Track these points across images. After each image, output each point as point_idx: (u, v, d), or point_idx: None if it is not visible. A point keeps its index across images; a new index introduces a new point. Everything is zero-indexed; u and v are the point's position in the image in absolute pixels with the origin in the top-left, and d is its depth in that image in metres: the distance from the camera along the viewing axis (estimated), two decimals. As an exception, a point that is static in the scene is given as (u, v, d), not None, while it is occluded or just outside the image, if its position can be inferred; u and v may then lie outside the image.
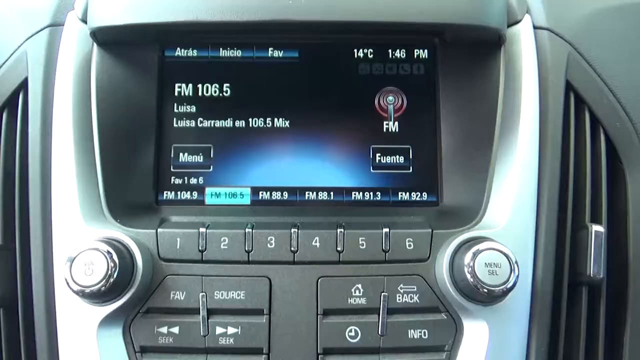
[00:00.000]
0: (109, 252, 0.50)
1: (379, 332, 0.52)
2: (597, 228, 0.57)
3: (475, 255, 0.50)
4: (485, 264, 0.50)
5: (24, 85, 0.62)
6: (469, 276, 0.50)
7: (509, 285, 0.49)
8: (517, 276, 0.50)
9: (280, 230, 0.55)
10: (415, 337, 0.53)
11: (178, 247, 0.55)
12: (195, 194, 0.66)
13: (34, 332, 0.54)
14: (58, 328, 0.53)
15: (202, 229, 0.55)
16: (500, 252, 0.50)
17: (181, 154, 0.66)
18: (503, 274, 0.49)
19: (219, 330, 0.53)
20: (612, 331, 0.59)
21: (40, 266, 0.54)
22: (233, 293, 0.53)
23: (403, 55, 0.68)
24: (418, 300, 0.53)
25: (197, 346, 0.52)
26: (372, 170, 0.67)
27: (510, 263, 0.50)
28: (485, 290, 0.49)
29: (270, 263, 0.54)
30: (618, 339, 0.59)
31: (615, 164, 0.63)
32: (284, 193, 0.66)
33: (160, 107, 0.67)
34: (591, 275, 0.56)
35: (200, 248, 0.54)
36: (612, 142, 0.63)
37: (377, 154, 0.67)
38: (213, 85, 0.67)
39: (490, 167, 0.59)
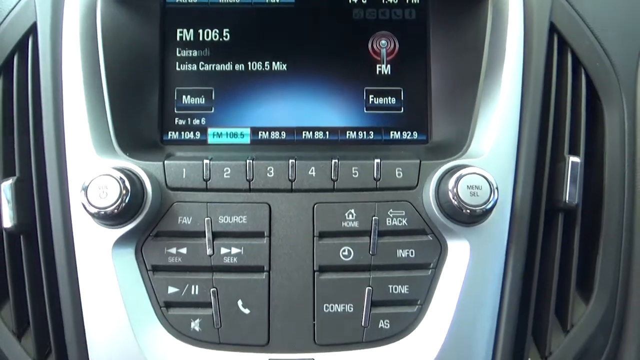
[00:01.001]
0: (121, 178, 0.54)
1: (370, 252, 0.57)
2: (574, 159, 0.61)
3: (458, 179, 0.54)
4: (468, 186, 0.54)
5: (33, 30, 0.65)
6: (452, 198, 0.54)
7: (489, 205, 0.54)
8: (497, 198, 0.54)
9: (278, 161, 0.59)
10: (403, 256, 0.57)
11: (184, 176, 0.59)
12: (198, 134, 0.70)
13: (53, 256, 0.59)
14: (76, 250, 0.57)
15: (206, 161, 0.59)
16: (481, 175, 0.54)
17: (184, 97, 0.70)
18: (483, 195, 0.54)
19: (224, 250, 0.57)
20: (586, 255, 0.64)
21: (57, 194, 0.59)
22: (236, 218, 0.58)
23: (395, 0, 0.71)
24: (406, 224, 0.58)
25: (204, 264, 0.57)
26: (365, 111, 0.70)
27: (490, 185, 0.54)
28: (468, 211, 0.54)
29: (270, 191, 0.59)
30: (590, 262, 0.64)
31: (595, 102, 0.67)
32: (282, 133, 0.70)
33: (163, 52, 0.70)
34: (567, 202, 0.60)
35: (204, 177, 0.58)
36: (592, 81, 0.66)
37: (370, 96, 0.70)
38: (213, 31, 0.71)
39: (476, 104, 0.63)
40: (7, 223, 0.59)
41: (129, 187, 0.54)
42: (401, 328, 0.56)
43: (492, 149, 0.59)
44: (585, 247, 0.64)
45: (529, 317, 0.60)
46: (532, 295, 0.60)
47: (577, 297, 0.63)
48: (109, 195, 0.53)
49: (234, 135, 0.70)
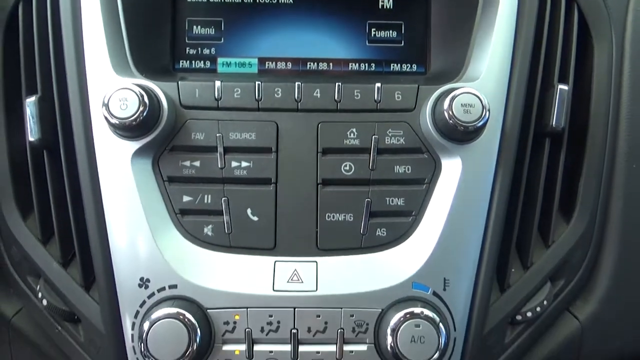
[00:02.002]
0: (140, 92, 0.58)
1: (370, 167, 0.62)
2: (562, 87, 0.65)
3: (453, 98, 0.58)
4: (462, 104, 0.58)
5: None
6: (447, 116, 0.58)
7: (481, 122, 0.58)
8: (488, 116, 0.58)
9: (286, 83, 0.63)
10: (400, 172, 0.62)
11: (197, 95, 0.63)
12: (208, 63, 0.73)
13: (76, 168, 0.63)
14: (97, 162, 0.62)
15: (217, 82, 0.63)
16: (474, 94, 0.58)
17: (194, 27, 0.73)
18: (476, 112, 0.58)
19: (234, 164, 0.62)
20: (570, 179, 0.69)
21: (78, 110, 0.63)
22: (245, 134, 0.62)
23: None
24: (404, 143, 0.62)
25: (216, 176, 0.62)
26: (367, 44, 0.74)
27: (482, 104, 0.58)
28: (461, 127, 0.58)
29: (277, 110, 0.63)
30: (574, 186, 0.69)
31: (586, 35, 0.70)
32: (287, 63, 0.73)
33: (175, -17, 0.73)
34: (553, 126, 0.65)
35: (216, 97, 0.62)
36: (585, 15, 0.70)
37: (373, 29, 0.74)
38: None
39: (472, 35, 0.67)
40: (32, 137, 0.64)
41: (147, 101, 0.58)
42: (396, 236, 0.62)
43: (485, 74, 0.63)
44: (569, 171, 0.69)
45: (514, 233, 0.65)
46: (517, 212, 0.65)
47: (559, 217, 0.69)
48: (128, 107, 0.58)
49: (242, 64, 0.74)
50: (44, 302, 0.63)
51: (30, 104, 0.64)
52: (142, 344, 0.56)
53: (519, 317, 0.64)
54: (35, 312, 0.67)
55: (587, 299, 0.70)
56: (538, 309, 0.63)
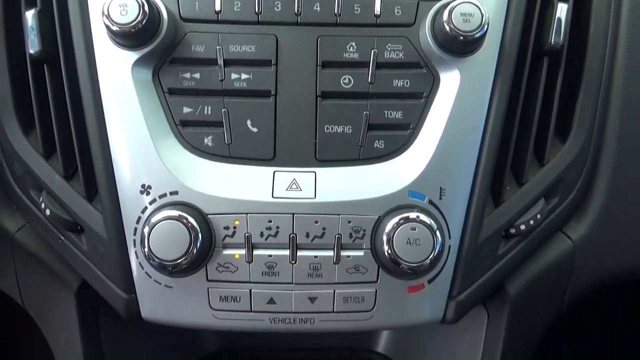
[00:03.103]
0: (140, 0, 0.58)
1: (369, 81, 0.62)
2: (562, 4, 0.66)
3: (452, 9, 0.59)
4: (461, 13, 0.58)
5: None
6: (447, 26, 0.58)
7: (480, 32, 0.58)
8: (487, 26, 0.58)
9: None
10: (399, 85, 0.63)
11: (197, 9, 0.63)
12: None
13: (77, 82, 0.63)
14: (98, 73, 0.62)
15: None
16: (473, 4, 0.58)
17: None
18: (475, 21, 0.58)
19: (234, 76, 0.62)
20: (567, 101, 0.69)
21: (78, 21, 0.62)
22: (245, 47, 0.62)
23: None
24: (403, 57, 0.63)
25: (216, 88, 0.62)
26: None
27: (481, 12, 0.58)
28: (461, 37, 0.58)
29: (277, 24, 0.63)
30: (570, 108, 0.70)
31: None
32: None
33: None
34: (552, 44, 0.65)
35: (216, 10, 0.62)
36: None
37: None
38: None
39: None
40: (32, 50, 0.64)
41: (147, 10, 0.58)
42: (394, 148, 0.62)
43: None
44: (566, 92, 0.69)
45: (509, 151, 0.66)
46: (514, 130, 0.66)
47: (555, 139, 0.69)
48: (128, 13, 0.58)
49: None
50: (47, 212, 0.64)
51: (29, 15, 0.64)
52: (144, 246, 0.58)
53: (512, 231, 0.65)
54: (38, 225, 0.68)
55: (580, 219, 0.71)
56: (531, 222, 0.65)
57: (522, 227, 0.65)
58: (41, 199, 0.66)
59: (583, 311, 0.78)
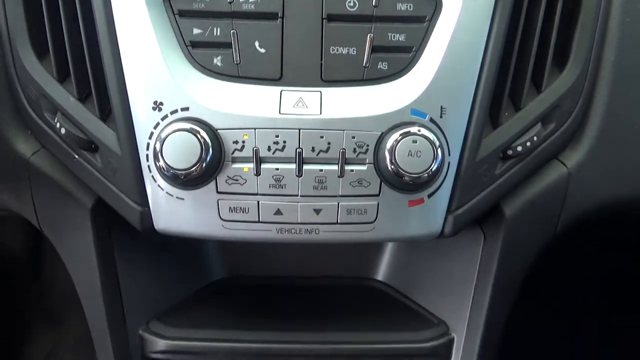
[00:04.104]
0: None
1: (373, 4, 0.64)
2: None
3: None
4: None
5: None
6: None
7: None
8: None
9: None
10: (402, 9, 0.64)
11: None
12: None
13: (90, 4, 0.65)
14: None
15: None
16: None
17: None
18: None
19: None
20: (565, 34, 0.71)
21: None
22: None
23: None
24: None
25: (224, 10, 0.64)
26: None
27: None
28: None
29: None
30: (569, 41, 0.72)
31: None
32: None
33: None
34: (551, -30, 0.67)
35: None
36: None
37: None
38: None
39: None
40: None
41: None
42: (397, 70, 0.65)
43: None
44: (565, 23, 0.71)
45: (508, 78, 0.68)
46: (513, 57, 0.68)
47: (553, 68, 0.72)
48: None
49: None
50: (62, 130, 0.67)
51: None
52: (157, 159, 0.60)
53: (509, 152, 0.68)
54: (53, 146, 0.71)
55: (575, 148, 0.74)
56: (528, 144, 0.67)
57: (519, 148, 0.67)
58: (56, 119, 0.68)
59: (573, 244, 0.82)
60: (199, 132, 0.60)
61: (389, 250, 0.91)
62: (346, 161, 0.63)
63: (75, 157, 0.69)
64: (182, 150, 0.60)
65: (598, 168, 0.74)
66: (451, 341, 0.74)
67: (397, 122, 0.63)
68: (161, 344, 0.72)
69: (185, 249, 0.86)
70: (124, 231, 0.74)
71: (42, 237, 0.78)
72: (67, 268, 0.75)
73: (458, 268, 0.76)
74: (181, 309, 0.79)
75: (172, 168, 0.60)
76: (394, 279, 0.89)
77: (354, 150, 0.63)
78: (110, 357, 0.73)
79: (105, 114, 0.67)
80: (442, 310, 0.78)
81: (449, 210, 0.66)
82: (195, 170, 0.60)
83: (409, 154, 0.60)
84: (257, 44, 0.65)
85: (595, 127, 0.73)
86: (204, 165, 0.60)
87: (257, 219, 0.64)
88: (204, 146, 0.60)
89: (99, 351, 0.74)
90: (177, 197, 0.64)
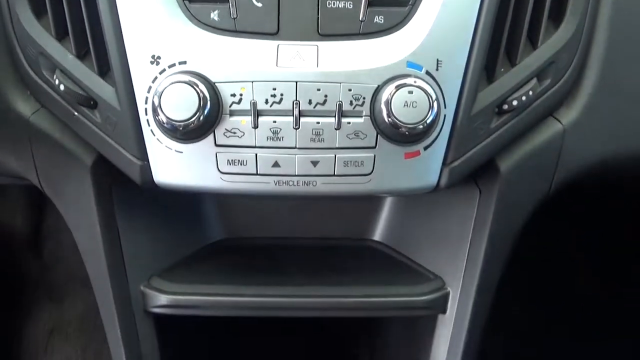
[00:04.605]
0: None
1: None
2: None
3: None
4: None
5: None
6: None
7: None
8: None
9: None
10: None
11: None
12: None
13: None
14: None
15: None
16: None
17: None
18: None
19: None
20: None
21: None
22: None
23: None
24: None
25: None
26: None
27: None
28: None
29: None
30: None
31: None
32: None
33: None
34: None
35: None
36: None
37: None
38: None
39: None
40: None
41: None
42: (393, 24, 0.65)
43: None
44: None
45: (504, 33, 0.68)
46: (509, 15, 0.68)
47: (549, 25, 0.72)
48: None
49: None
50: (62, 87, 0.67)
51: None
52: (156, 112, 0.61)
53: (505, 107, 0.68)
54: (52, 104, 0.71)
55: (570, 105, 0.75)
56: (524, 98, 0.68)
57: (515, 102, 0.68)
58: (55, 77, 0.69)
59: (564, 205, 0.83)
60: (197, 85, 0.61)
61: (385, 210, 0.92)
62: (343, 114, 0.64)
63: (74, 114, 0.70)
64: (180, 103, 0.60)
65: (593, 125, 0.75)
66: (447, 295, 0.75)
67: (393, 75, 0.63)
68: (162, 298, 0.74)
69: (184, 209, 0.87)
70: (124, 189, 0.75)
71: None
72: (69, 226, 0.76)
73: (454, 225, 0.77)
74: (181, 267, 0.80)
75: (170, 120, 0.61)
76: (390, 239, 0.90)
77: (351, 103, 0.63)
78: (112, 314, 0.75)
79: (103, 70, 0.68)
80: (438, 266, 0.79)
81: (444, 163, 0.67)
82: (194, 122, 0.61)
83: (404, 105, 0.61)
84: (253, -3, 0.65)
85: (591, 84, 0.74)
86: (201, 117, 0.61)
87: (255, 172, 0.65)
88: (201, 98, 0.60)
89: (102, 308, 0.76)
90: (175, 151, 0.65)
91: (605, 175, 0.81)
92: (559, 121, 0.74)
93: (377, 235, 0.93)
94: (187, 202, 0.87)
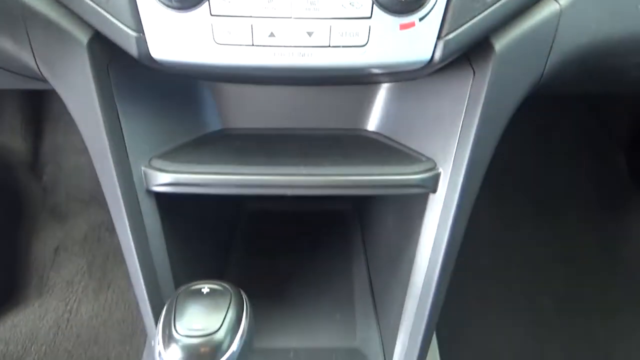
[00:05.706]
0: None
1: None
2: None
3: None
4: None
5: None
6: None
7: None
8: None
9: None
10: None
11: None
12: None
13: None
14: None
15: None
16: None
17: None
18: None
19: None
20: None
21: None
22: None
23: None
24: None
25: None
26: None
27: None
28: None
29: None
30: None
31: None
32: None
33: None
34: None
35: None
36: None
37: None
38: None
39: None
40: None
41: None
42: None
43: None
44: None
45: None
46: None
47: None
48: None
49: None
50: None
51: None
52: None
53: (502, -21, 0.68)
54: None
55: (568, -16, 0.74)
56: (522, -32, 0.68)
57: (512, -25, 0.68)
58: None
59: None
60: None
61: (379, 100, 0.93)
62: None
63: None
64: None
65: (589, 6, 0.75)
66: (438, 175, 0.78)
67: None
68: (164, 176, 0.76)
69: (183, 98, 0.88)
70: (122, 72, 0.76)
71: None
72: (68, 109, 0.78)
73: (446, 108, 0.78)
74: (181, 150, 0.82)
75: None
76: (385, 128, 0.92)
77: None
78: (116, 194, 0.77)
79: None
80: (430, 150, 0.81)
81: (439, 37, 0.68)
82: (188, -13, 0.61)
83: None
84: None
85: (590, -38, 0.73)
86: None
87: (251, 42, 0.66)
88: None
89: (105, 188, 0.78)
90: (171, 21, 0.65)
91: (593, 60, 0.82)
92: (556, 1, 0.74)
93: (372, 125, 0.95)
94: (185, 89, 0.87)
